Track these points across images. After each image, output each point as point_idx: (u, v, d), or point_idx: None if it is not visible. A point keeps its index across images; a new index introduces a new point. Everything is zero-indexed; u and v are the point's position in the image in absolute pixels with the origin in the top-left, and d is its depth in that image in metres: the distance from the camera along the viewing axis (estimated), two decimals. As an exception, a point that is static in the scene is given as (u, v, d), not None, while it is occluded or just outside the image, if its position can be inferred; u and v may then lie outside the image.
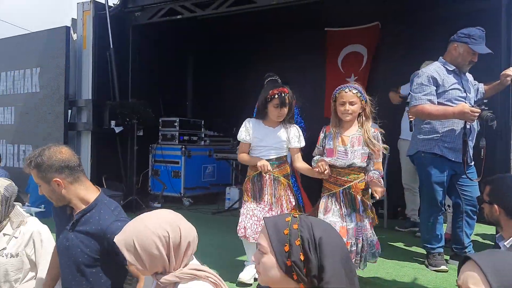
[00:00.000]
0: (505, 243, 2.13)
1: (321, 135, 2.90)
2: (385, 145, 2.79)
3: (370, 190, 2.79)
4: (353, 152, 2.72)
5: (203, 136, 6.60)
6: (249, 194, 3.05)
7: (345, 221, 2.71)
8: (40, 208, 4.30)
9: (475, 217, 3.32)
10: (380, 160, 2.78)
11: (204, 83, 7.01)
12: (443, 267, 3.25)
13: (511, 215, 2.16)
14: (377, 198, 2.65)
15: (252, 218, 3.00)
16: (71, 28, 5.54)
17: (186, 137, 6.27)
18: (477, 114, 2.96)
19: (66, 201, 1.97)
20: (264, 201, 2.99)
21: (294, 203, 3.05)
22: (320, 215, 2.71)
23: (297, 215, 1.39)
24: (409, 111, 3.42)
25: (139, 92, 5.81)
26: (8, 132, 6.02)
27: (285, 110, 3.00)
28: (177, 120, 6.19)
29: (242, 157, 3.15)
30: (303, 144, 3.10)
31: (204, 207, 5.86)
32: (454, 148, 3.19)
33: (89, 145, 5.38)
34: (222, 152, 6.10)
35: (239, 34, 6.88)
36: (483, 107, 2.98)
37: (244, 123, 3.16)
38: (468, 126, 3.13)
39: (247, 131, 3.11)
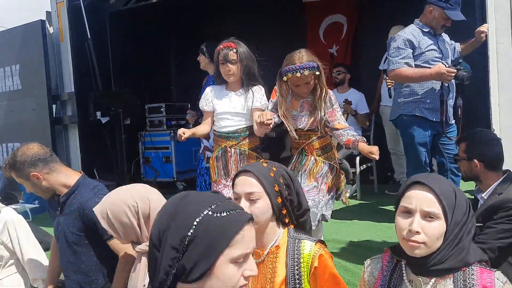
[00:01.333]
0: (483, 195, 2.21)
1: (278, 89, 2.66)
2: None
3: (331, 150, 2.67)
4: (301, 117, 2.61)
5: (190, 119, 6.58)
6: (214, 172, 2.80)
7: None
8: (34, 204, 4.34)
9: (460, 174, 3.38)
10: (340, 121, 2.60)
11: (187, 65, 6.95)
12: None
13: (490, 167, 2.23)
14: (377, 158, 2.47)
15: None
16: (46, 22, 5.46)
17: (173, 122, 6.25)
18: (453, 74, 3.00)
19: (52, 191, 2.06)
20: (231, 178, 2.61)
21: None
22: None
23: (267, 160, 1.62)
24: (388, 76, 3.45)
25: (122, 80, 5.77)
26: (-5, 132, 5.99)
27: (232, 67, 2.69)
28: (163, 106, 6.15)
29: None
30: (264, 103, 2.75)
31: (198, 189, 5.91)
32: (434, 108, 3.24)
33: (77, 138, 5.35)
34: (212, 133, 6.11)
35: (218, 14, 6.82)
36: (458, 67, 3.02)
37: (206, 90, 2.88)
38: (446, 85, 3.18)
39: (206, 98, 2.83)
